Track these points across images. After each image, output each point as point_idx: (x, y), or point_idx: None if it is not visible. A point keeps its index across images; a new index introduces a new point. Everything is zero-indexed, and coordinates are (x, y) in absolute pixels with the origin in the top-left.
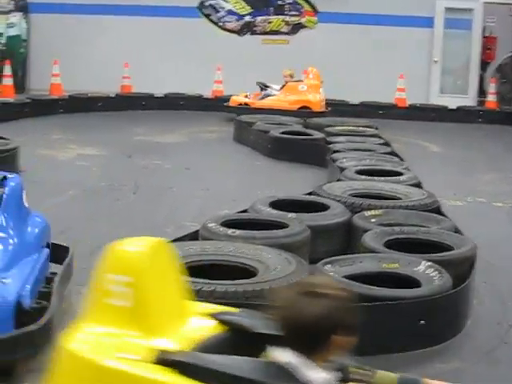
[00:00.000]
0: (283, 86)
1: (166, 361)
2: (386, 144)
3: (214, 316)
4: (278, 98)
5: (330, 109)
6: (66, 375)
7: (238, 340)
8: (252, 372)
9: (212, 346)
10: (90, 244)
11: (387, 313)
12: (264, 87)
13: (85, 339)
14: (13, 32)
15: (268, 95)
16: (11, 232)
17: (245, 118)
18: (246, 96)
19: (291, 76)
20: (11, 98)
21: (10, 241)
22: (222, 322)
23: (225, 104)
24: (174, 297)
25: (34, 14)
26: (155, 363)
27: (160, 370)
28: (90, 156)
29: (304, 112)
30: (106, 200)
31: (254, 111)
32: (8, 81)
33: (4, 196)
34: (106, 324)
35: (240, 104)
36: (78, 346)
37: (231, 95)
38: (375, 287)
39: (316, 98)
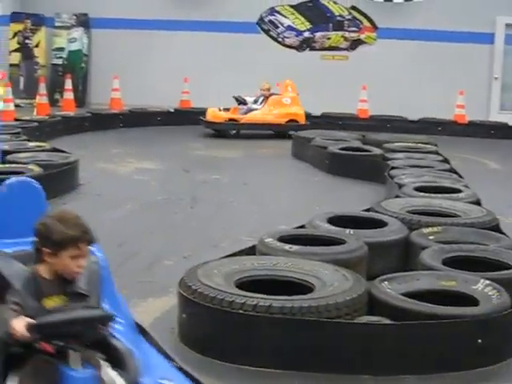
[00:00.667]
0: (264, 99)
1: None
2: (445, 161)
3: None
4: (263, 112)
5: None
6: None
7: None
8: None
9: None
10: (147, 258)
11: (445, 331)
12: (242, 101)
13: None
14: (74, 47)
15: (251, 109)
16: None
17: (303, 133)
18: (220, 110)
19: (269, 90)
20: (72, 111)
21: None
22: None
23: (202, 118)
24: None
25: (95, 29)
26: None
27: None
28: (148, 170)
29: (292, 125)
30: (164, 214)
31: (242, 126)
32: (69, 95)
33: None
34: None
35: (227, 119)
36: None
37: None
38: (434, 305)
39: (301, 111)
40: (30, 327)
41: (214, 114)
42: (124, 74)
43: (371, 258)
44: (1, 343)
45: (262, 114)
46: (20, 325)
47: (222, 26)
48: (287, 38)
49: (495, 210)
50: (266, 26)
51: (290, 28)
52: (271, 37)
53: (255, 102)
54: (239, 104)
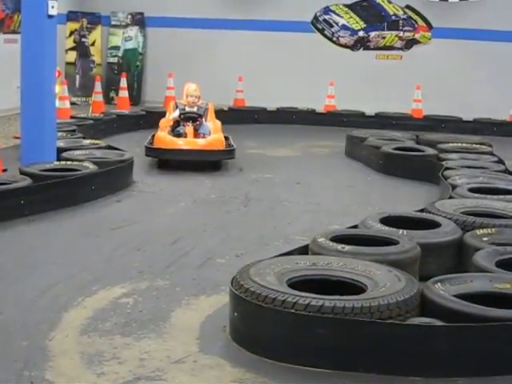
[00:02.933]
0: (205, 110)
1: None
2: (500, 162)
3: None
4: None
5: None
6: None
7: None
8: None
9: None
10: (200, 255)
11: (498, 334)
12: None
13: None
14: (129, 45)
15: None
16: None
17: (357, 133)
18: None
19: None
20: (127, 110)
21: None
22: None
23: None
24: None
25: (150, 27)
26: None
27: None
28: (201, 168)
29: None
30: (217, 212)
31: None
32: (124, 93)
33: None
34: None
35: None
36: None
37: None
38: (487, 308)
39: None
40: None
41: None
42: (178, 72)
43: (424, 259)
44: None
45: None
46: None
47: (277, 24)
48: (342, 37)
49: None
50: (320, 25)
51: (344, 27)
52: (325, 36)
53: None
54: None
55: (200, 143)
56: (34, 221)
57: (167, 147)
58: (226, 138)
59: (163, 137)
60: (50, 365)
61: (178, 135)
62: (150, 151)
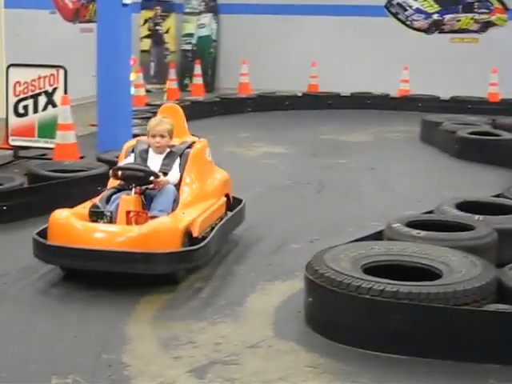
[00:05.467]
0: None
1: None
2: None
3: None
4: None
5: None
6: None
7: None
8: None
9: None
10: (274, 241)
11: None
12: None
13: None
14: (203, 32)
15: None
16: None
17: (432, 117)
18: None
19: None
20: (201, 96)
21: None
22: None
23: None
24: None
25: (223, 14)
26: None
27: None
28: (276, 154)
29: None
30: (291, 198)
31: None
32: (198, 80)
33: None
34: None
35: None
36: None
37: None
38: None
39: None
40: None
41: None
42: (252, 58)
43: (501, 245)
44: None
45: None
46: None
47: (350, 9)
48: (416, 20)
49: None
50: (394, 8)
51: (418, 11)
52: (399, 20)
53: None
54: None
55: (129, 235)
56: None
57: (65, 244)
58: (233, 199)
59: (64, 221)
60: (127, 348)
61: (97, 216)
62: (39, 249)
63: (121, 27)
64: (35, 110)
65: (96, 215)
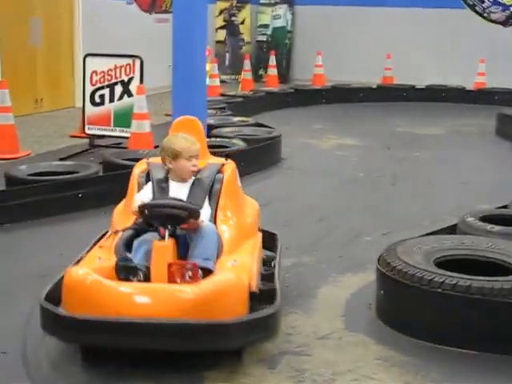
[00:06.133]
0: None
1: None
2: None
3: None
4: None
5: None
6: None
7: None
8: None
9: None
10: (346, 233)
11: None
12: None
13: None
14: (278, 23)
15: None
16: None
17: (508, 111)
18: None
19: None
20: (275, 87)
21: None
22: None
23: None
24: None
25: (298, 5)
26: None
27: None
28: (349, 146)
29: None
30: (364, 190)
31: None
32: (273, 71)
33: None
34: None
35: None
36: None
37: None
38: None
39: None
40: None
41: None
42: (327, 50)
43: None
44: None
45: None
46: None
47: (427, 1)
48: (493, 12)
49: None
50: (471, 0)
51: (496, 3)
52: (476, 12)
53: None
54: None
55: (183, 298)
56: None
57: (92, 314)
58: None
59: (88, 282)
60: None
61: (129, 272)
62: (52, 322)
63: (197, 18)
64: (111, 100)
65: (127, 271)
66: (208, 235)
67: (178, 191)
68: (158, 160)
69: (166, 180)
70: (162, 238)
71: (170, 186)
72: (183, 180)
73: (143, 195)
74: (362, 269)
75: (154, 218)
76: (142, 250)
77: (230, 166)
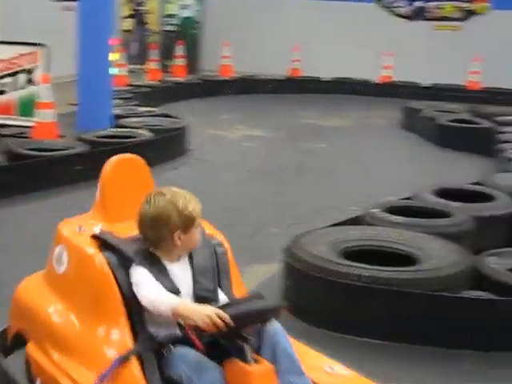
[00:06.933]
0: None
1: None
2: None
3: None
4: None
5: None
6: None
7: None
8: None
9: None
10: (253, 224)
11: None
12: None
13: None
14: (186, 13)
15: None
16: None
17: (413, 104)
18: None
19: None
20: (182, 78)
21: None
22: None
23: None
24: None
25: None
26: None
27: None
28: (256, 137)
29: None
30: (270, 181)
31: None
32: (180, 61)
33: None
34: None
35: None
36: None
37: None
38: None
39: None
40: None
41: None
42: (235, 41)
43: (478, 232)
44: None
45: None
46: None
47: None
48: (400, 7)
49: None
50: None
51: None
52: (384, 6)
53: None
54: None
55: None
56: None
57: None
58: None
59: None
60: None
61: None
62: None
63: (103, 6)
64: (15, 88)
65: None
66: (280, 335)
67: (183, 275)
68: (107, 232)
69: (157, 261)
70: (242, 356)
71: (170, 270)
72: (178, 258)
73: (164, 295)
74: (269, 260)
75: (237, 333)
76: (212, 375)
77: (220, 234)
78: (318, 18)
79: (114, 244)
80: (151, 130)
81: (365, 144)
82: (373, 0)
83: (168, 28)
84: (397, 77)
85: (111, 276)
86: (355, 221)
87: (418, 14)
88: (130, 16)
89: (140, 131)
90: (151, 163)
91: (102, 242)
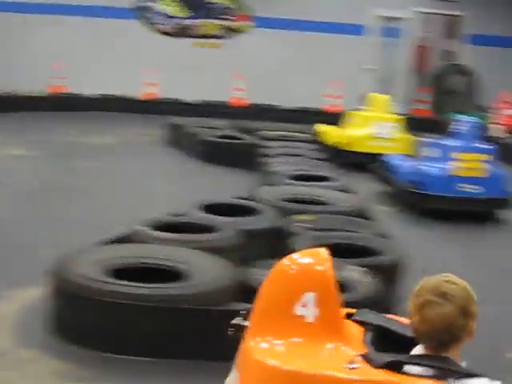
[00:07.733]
0: None
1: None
2: (320, 150)
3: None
4: None
5: None
6: None
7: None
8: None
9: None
10: (18, 246)
11: None
12: None
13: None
14: None
15: None
16: None
17: (177, 120)
18: None
19: None
20: None
21: None
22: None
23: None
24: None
25: None
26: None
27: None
28: (19, 157)
29: None
30: (37, 202)
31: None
32: None
33: None
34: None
35: None
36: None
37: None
38: None
39: None
40: None
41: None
42: None
43: (245, 245)
44: None
45: None
46: None
47: (96, 10)
48: (162, 24)
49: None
50: (141, 12)
51: (163, 15)
52: (146, 23)
53: None
54: None
55: None
56: None
57: None
58: None
59: None
60: None
61: None
62: None
63: None
64: None
65: None
66: None
67: None
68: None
69: None
70: None
71: None
72: None
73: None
74: (33, 282)
75: None
76: None
77: None
78: (78, 34)
79: None
80: None
81: (131, 161)
82: (137, 16)
83: None
84: (162, 93)
85: None
86: (122, 239)
87: (180, 31)
88: None
89: None
90: None
91: None
